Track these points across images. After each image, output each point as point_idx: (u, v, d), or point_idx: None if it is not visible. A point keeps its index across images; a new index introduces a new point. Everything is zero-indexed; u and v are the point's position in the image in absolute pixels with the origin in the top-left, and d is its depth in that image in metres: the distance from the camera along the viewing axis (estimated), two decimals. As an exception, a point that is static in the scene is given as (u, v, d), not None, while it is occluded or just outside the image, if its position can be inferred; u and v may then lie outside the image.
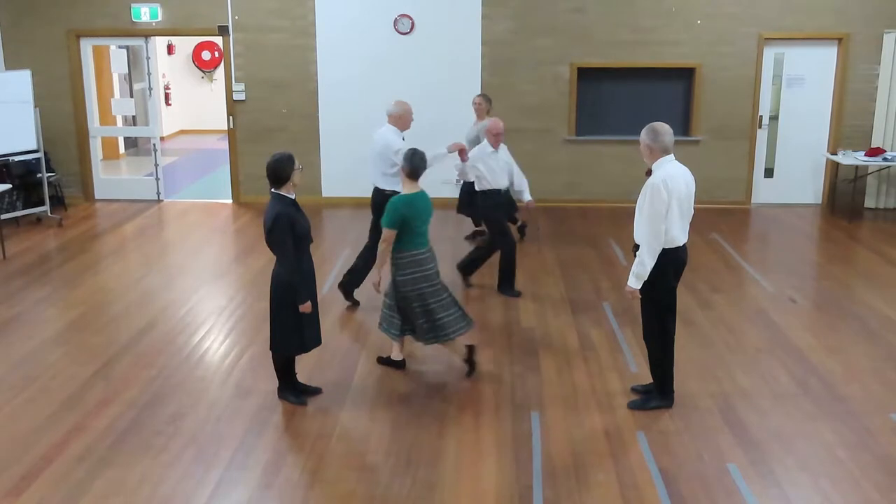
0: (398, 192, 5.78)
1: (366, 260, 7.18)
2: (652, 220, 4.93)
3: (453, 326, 5.72)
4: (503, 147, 7.69)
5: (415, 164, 5.66)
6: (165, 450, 4.86)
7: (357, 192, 11.21)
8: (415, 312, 5.68)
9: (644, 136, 5.04)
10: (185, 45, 17.66)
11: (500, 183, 7.62)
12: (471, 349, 5.85)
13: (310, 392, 5.56)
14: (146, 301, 7.43)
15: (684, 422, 5.19)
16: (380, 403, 5.45)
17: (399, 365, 5.99)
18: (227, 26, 10.87)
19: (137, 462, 4.73)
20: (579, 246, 9.17)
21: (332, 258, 8.71)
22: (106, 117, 12.92)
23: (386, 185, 6.94)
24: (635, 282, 5.06)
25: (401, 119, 7.04)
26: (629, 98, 10.97)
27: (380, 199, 6.76)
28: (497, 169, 7.57)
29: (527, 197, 7.88)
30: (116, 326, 6.83)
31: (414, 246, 5.61)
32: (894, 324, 6.85)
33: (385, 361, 6.04)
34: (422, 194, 5.70)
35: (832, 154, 10.79)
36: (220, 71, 16.87)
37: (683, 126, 11.00)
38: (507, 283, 7.61)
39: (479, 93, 9.35)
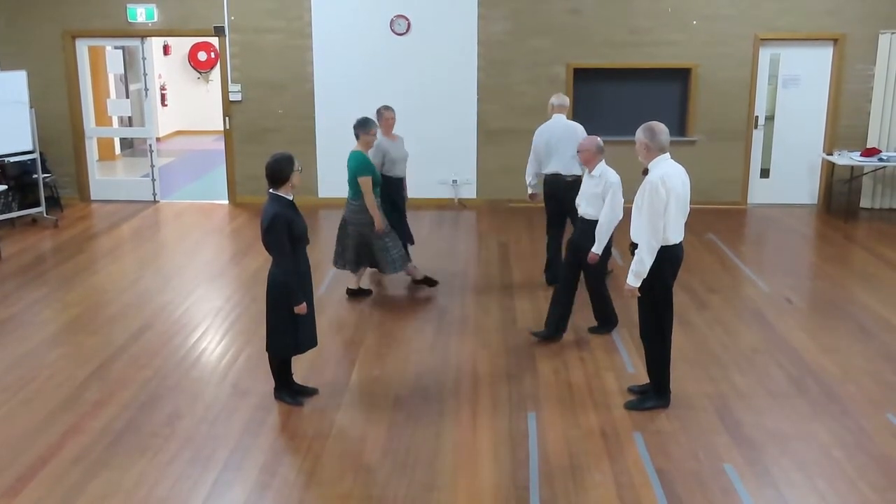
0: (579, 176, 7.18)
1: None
2: (651, 218, 4.94)
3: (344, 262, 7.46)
4: (598, 174, 6.29)
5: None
6: (162, 451, 4.86)
7: (353, 192, 11.23)
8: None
9: (641, 134, 5.05)
10: (182, 45, 17.64)
11: (581, 209, 6.46)
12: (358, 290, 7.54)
13: (306, 393, 5.55)
14: (142, 302, 7.42)
15: (681, 422, 5.20)
16: (376, 404, 5.45)
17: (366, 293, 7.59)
18: (224, 27, 10.86)
19: (134, 463, 4.72)
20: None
21: (328, 259, 8.68)
22: (102, 118, 12.89)
23: (574, 171, 7.48)
24: (634, 280, 5.06)
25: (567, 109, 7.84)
26: (625, 99, 10.98)
27: (565, 184, 7.52)
28: (582, 192, 6.47)
29: (593, 247, 6.26)
30: (112, 327, 6.82)
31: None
32: (890, 324, 6.86)
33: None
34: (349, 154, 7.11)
35: (828, 154, 10.82)
36: (217, 72, 16.86)
37: (679, 126, 11.01)
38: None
39: (386, 105, 7.74)
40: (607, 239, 6.24)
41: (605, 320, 6.67)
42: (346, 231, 7.34)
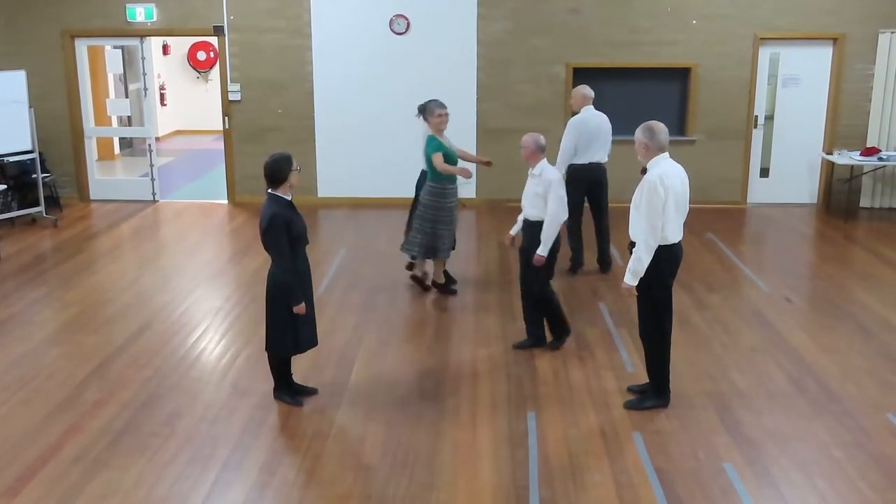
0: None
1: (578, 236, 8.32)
2: (649, 217, 4.94)
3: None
4: (538, 173, 6.08)
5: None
6: (161, 450, 4.86)
7: (353, 192, 11.24)
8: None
9: (640, 134, 5.04)
10: (181, 45, 17.63)
11: (525, 211, 6.21)
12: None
13: (306, 392, 5.55)
14: (142, 301, 7.41)
15: (680, 421, 5.20)
16: (376, 404, 5.44)
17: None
18: (223, 26, 10.85)
19: (133, 463, 4.72)
20: (575, 246, 9.15)
21: (327, 259, 8.70)
22: (101, 118, 12.88)
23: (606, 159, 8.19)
24: (632, 279, 5.06)
25: None
26: (625, 98, 10.96)
27: (603, 171, 8.19)
28: (525, 192, 6.22)
29: (538, 249, 6.05)
30: (112, 327, 6.81)
31: None
32: (889, 323, 6.86)
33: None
34: None
35: (828, 154, 10.82)
36: (216, 71, 16.85)
37: (679, 126, 11.01)
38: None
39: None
40: (553, 240, 5.98)
41: (558, 332, 6.30)
42: (413, 213, 7.58)
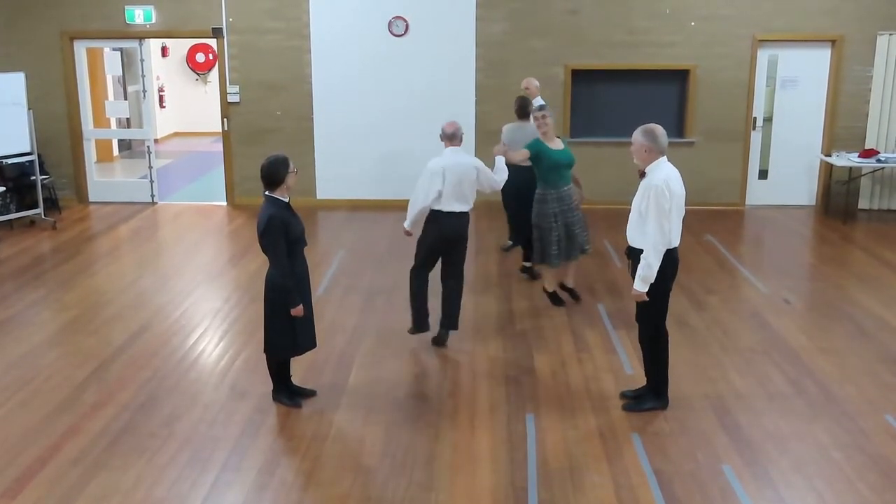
0: None
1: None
2: (658, 221, 4.91)
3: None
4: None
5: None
6: (160, 452, 4.85)
7: (352, 193, 11.24)
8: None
9: (642, 137, 5.01)
10: (180, 47, 17.66)
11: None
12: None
13: (304, 394, 5.55)
14: (140, 303, 7.41)
15: (679, 423, 5.20)
16: (375, 405, 5.44)
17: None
18: (222, 28, 10.86)
19: (132, 464, 4.72)
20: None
21: (326, 261, 8.70)
22: (100, 120, 12.88)
23: None
24: (642, 285, 5.02)
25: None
26: (623, 100, 10.99)
27: None
28: None
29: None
30: (111, 328, 6.81)
31: None
32: (888, 325, 6.86)
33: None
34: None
35: (826, 155, 10.83)
36: (215, 73, 16.86)
37: (678, 128, 11.02)
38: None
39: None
40: (411, 217, 6.32)
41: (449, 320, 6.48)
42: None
